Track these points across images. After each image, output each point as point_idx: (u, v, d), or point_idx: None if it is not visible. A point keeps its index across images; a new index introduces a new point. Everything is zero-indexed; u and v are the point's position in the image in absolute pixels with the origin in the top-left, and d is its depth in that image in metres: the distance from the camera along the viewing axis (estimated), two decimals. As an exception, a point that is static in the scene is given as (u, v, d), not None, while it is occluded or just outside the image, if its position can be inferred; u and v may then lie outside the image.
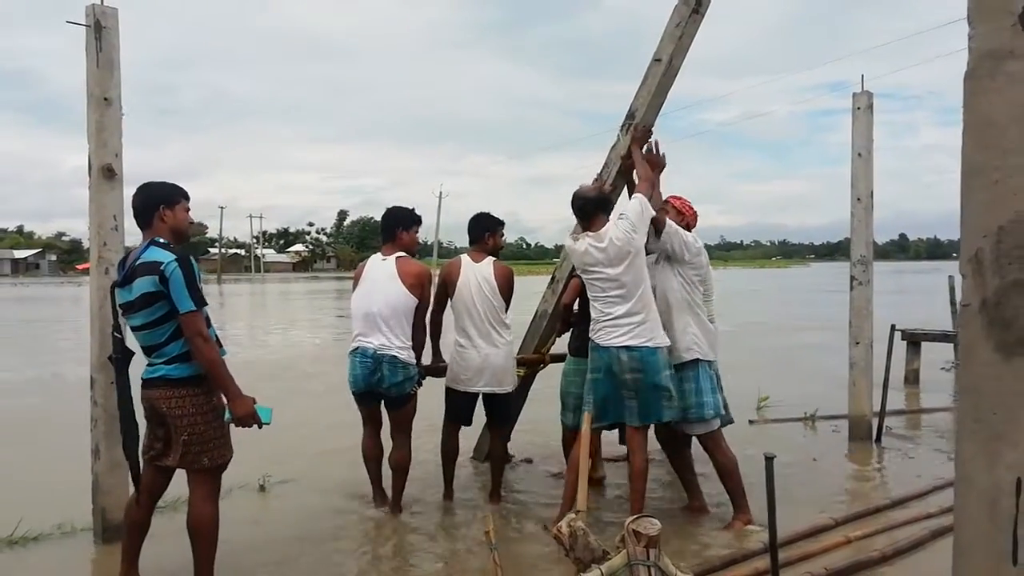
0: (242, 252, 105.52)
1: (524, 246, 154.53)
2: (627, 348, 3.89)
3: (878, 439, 6.01)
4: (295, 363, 11.57)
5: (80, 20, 3.84)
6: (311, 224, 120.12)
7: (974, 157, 1.14)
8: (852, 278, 6.08)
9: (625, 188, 4.54)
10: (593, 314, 4.07)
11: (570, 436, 4.51)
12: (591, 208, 4.11)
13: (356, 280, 4.46)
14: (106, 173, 3.90)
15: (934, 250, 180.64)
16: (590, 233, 4.04)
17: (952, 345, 10.12)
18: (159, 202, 3.26)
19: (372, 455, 4.52)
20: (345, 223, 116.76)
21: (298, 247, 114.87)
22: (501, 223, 4.69)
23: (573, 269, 4.47)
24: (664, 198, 4.25)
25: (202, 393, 3.20)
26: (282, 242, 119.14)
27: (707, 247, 4.48)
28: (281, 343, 15.03)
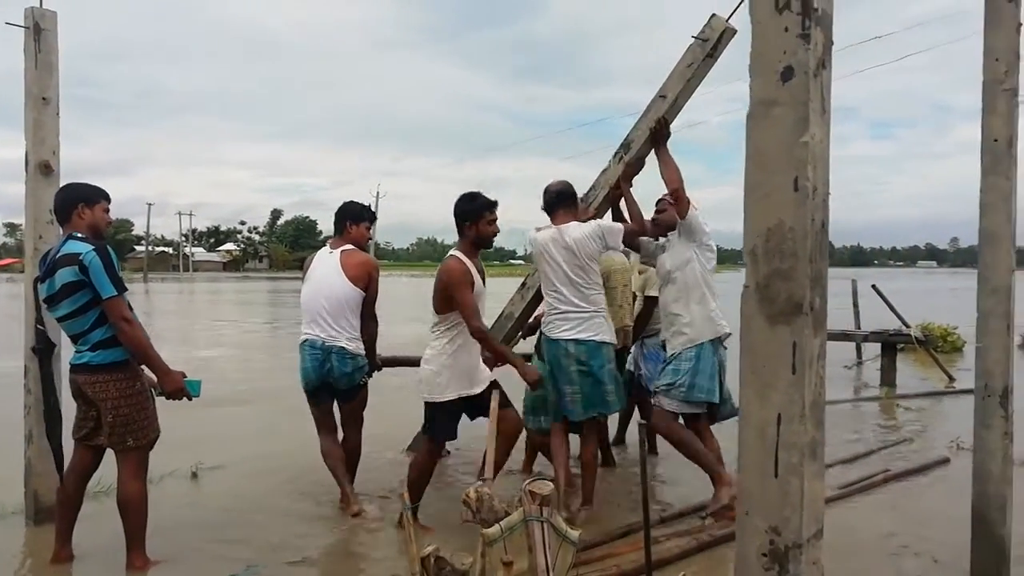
0: (170, 250, 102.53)
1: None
2: (575, 341, 4.08)
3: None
4: (224, 360, 11.58)
5: (19, 21, 3.99)
6: (243, 223, 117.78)
7: (752, 177, 1.53)
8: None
9: (609, 213, 4.69)
10: (545, 307, 4.26)
11: (535, 437, 4.79)
12: (554, 202, 4.25)
13: (304, 272, 4.54)
14: (43, 169, 4.06)
15: (857, 257, 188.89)
16: (553, 226, 4.23)
17: (854, 344, 10.93)
18: (79, 200, 3.48)
19: (333, 456, 4.43)
20: (279, 222, 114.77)
21: (229, 246, 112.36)
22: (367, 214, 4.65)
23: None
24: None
25: (125, 378, 3.41)
26: (212, 241, 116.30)
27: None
28: (211, 340, 14.93)
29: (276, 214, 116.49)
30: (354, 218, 4.54)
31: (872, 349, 10.35)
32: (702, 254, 4.25)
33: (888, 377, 9.08)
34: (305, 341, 4.35)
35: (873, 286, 10.88)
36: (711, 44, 4.31)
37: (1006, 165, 3.12)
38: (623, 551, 3.72)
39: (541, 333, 4.83)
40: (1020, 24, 3.10)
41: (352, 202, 4.63)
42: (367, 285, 4.34)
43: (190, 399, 3.55)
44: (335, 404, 4.47)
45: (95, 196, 3.54)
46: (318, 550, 3.84)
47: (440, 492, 4.68)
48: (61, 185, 3.70)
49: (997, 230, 3.15)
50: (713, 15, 4.37)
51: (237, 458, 5.52)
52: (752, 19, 1.49)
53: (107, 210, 3.57)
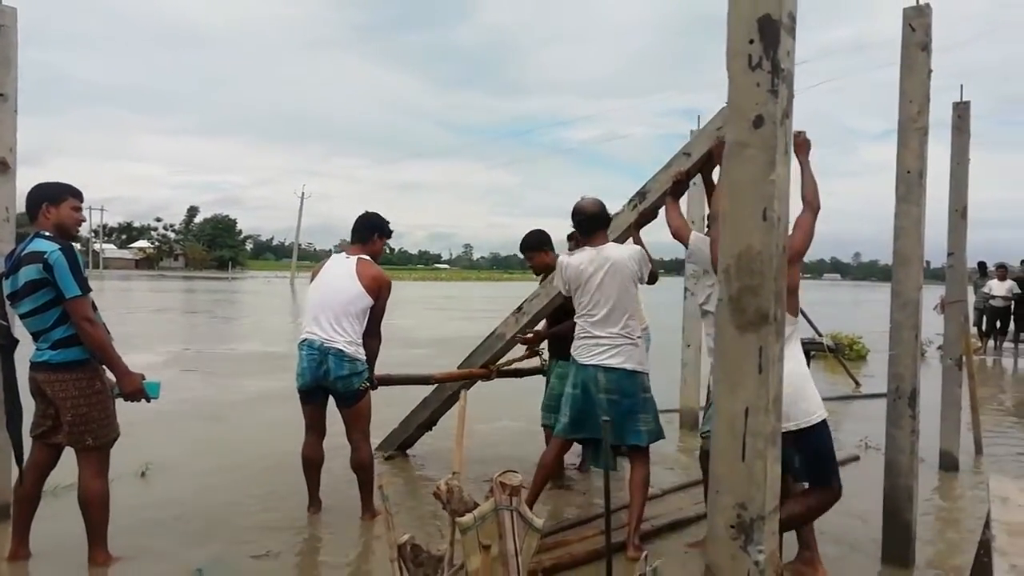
0: (78, 246, 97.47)
1: (389, 251, 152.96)
2: (604, 368, 3.92)
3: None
4: (158, 361, 11.30)
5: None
6: (159, 219, 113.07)
7: (728, 208, 1.80)
8: (685, 288, 7.04)
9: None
10: (576, 331, 4.10)
11: (548, 432, 4.73)
12: (590, 224, 4.09)
13: (314, 275, 4.49)
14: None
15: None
16: (588, 248, 4.07)
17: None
18: (44, 199, 3.53)
19: (312, 460, 4.41)
20: (196, 220, 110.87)
21: (142, 243, 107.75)
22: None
23: (549, 302, 4.65)
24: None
25: (85, 377, 3.46)
26: (124, 237, 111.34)
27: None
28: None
29: (193, 211, 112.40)
30: (381, 231, 4.58)
31: (788, 356, 11.00)
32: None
33: (802, 382, 9.69)
34: (304, 340, 4.29)
35: (790, 297, 11.55)
36: None
37: (917, 194, 3.55)
38: (572, 540, 4.00)
39: (550, 355, 5.00)
40: (931, 71, 3.54)
41: (377, 215, 4.64)
42: (377, 297, 4.32)
43: (148, 401, 3.61)
44: (327, 407, 4.39)
45: (60, 194, 3.58)
46: (282, 545, 3.94)
47: (410, 485, 4.85)
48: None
49: (908, 252, 3.57)
50: None
51: (187, 458, 5.53)
52: (729, 75, 1.77)
53: (76, 208, 3.60)
